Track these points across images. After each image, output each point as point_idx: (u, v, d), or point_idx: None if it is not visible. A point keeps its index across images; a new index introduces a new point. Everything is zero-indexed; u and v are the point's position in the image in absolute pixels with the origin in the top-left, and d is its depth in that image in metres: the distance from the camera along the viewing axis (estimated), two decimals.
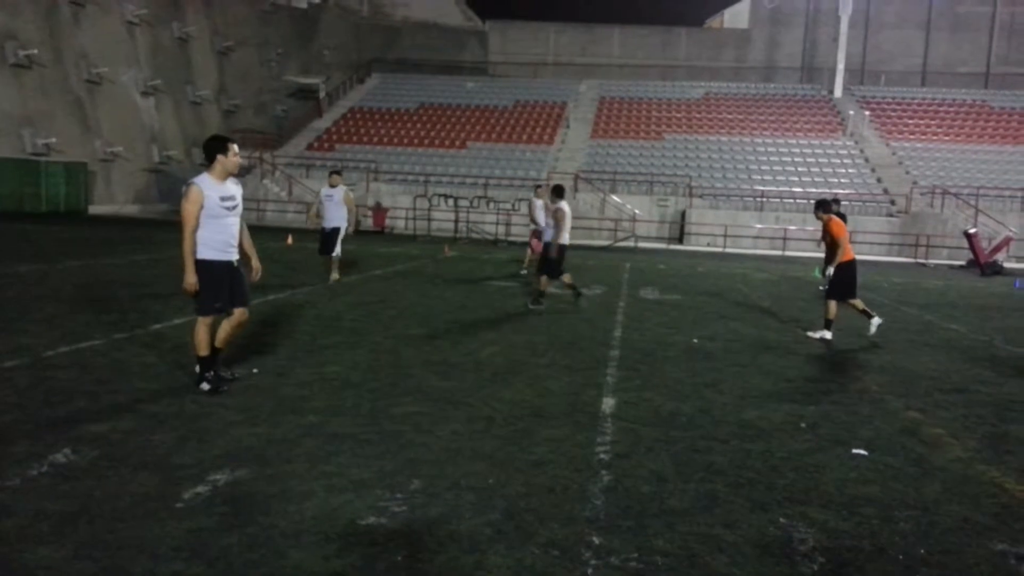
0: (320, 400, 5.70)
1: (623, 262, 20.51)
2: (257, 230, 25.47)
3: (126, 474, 4.08)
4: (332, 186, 12.84)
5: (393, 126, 37.94)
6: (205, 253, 5.63)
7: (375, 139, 36.71)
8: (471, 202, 28.30)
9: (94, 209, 32.40)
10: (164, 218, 32.35)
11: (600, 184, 31.55)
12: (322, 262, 13.29)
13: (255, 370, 6.48)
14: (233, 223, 5.78)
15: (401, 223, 30.43)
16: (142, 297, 10.21)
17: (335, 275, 12.84)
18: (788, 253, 27.59)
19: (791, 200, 30.30)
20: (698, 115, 38.77)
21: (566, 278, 11.58)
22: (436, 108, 39.73)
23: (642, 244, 27.86)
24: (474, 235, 28.27)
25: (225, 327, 5.85)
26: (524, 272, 15.74)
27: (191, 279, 5.56)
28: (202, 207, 5.53)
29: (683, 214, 30.31)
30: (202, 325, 5.75)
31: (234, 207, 5.76)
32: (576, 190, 31.16)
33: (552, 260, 11.14)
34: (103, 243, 18.42)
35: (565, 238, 11.15)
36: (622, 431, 5.30)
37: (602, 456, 4.76)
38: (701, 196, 30.95)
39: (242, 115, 42.86)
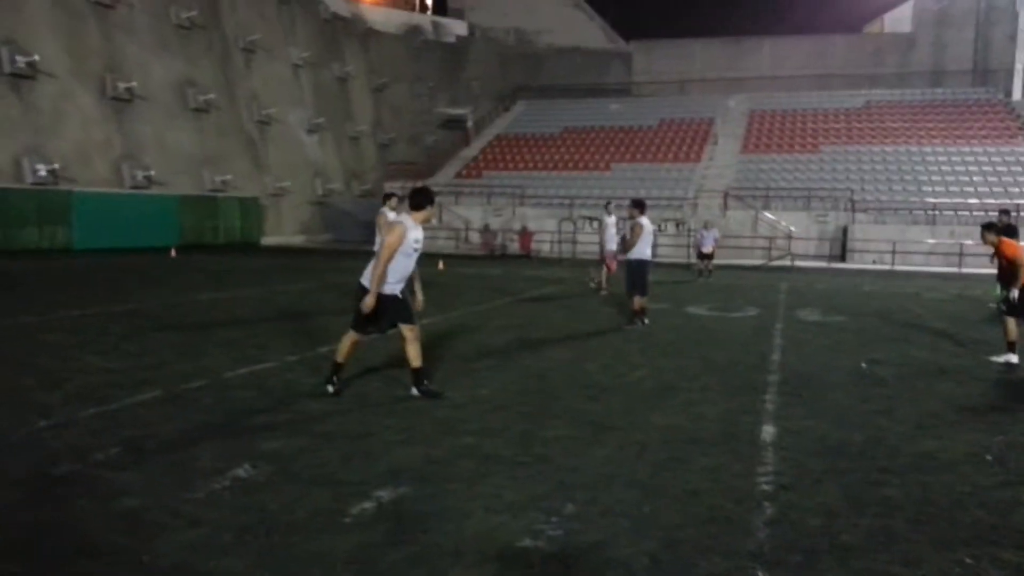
0: (473, 422, 5.82)
1: (779, 282, 19.66)
2: None
3: (299, 489, 4.33)
4: (392, 209, 12.05)
5: (538, 151, 38.52)
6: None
7: (520, 164, 37.40)
8: (619, 225, 28.14)
9: (265, 240, 34.99)
10: (327, 247, 34.43)
11: (752, 201, 30.49)
12: None
13: (414, 390, 6.67)
14: (412, 263, 6.35)
15: (546, 247, 30.72)
16: (309, 322, 10.88)
17: None
18: (965, 270, 25.45)
19: (966, 213, 27.97)
20: (858, 125, 36.74)
21: (638, 302, 11.05)
22: (580, 131, 39.98)
23: (799, 263, 26.61)
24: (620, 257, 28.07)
25: (409, 349, 6.47)
26: (604, 293, 15.67)
27: (370, 302, 6.12)
28: (402, 243, 6.14)
29: (845, 230, 28.69)
30: (349, 338, 6.44)
31: (418, 250, 6.35)
32: (726, 208, 30.30)
33: (635, 277, 10.91)
34: (274, 272, 19.83)
35: (647, 253, 10.92)
36: (785, 461, 5.04)
37: (764, 487, 4.55)
38: (865, 210, 29.19)
39: (396, 148, 45.05)
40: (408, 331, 6.40)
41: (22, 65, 24.97)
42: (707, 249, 20.47)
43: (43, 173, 25.30)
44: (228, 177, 33.17)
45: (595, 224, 28.51)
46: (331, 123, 40.36)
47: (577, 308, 13.33)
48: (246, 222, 33.65)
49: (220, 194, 32.63)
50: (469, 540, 3.71)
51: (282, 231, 36.96)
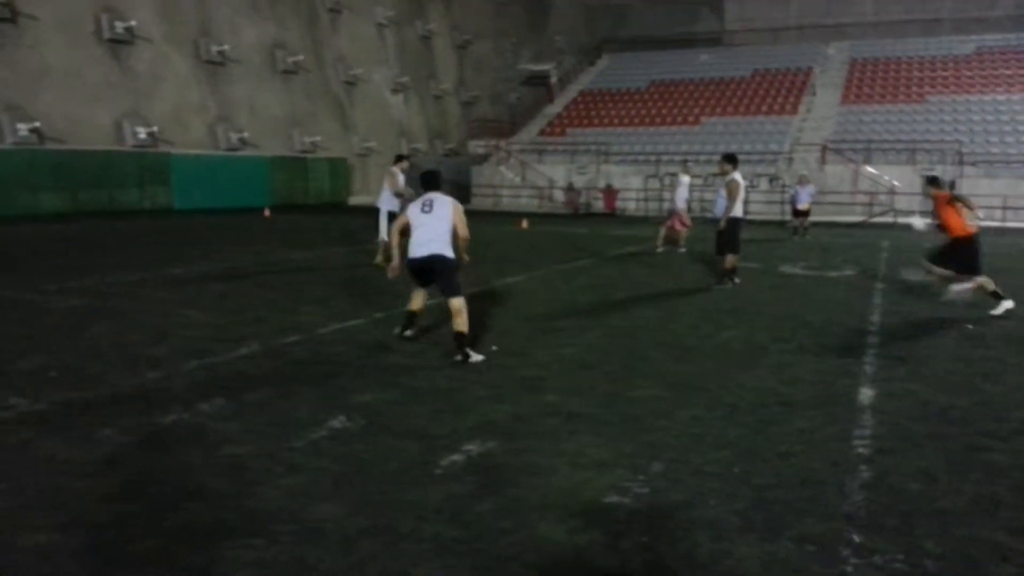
0: (558, 380, 5.83)
1: (879, 240, 18.82)
2: (492, 215, 26.66)
3: (391, 441, 4.46)
4: (404, 171, 12.50)
5: (623, 106, 37.74)
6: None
7: (605, 120, 36.77)
8: (704, 180, 27.43)
9: (353, 200, 35.69)
10: None
11: (852, 154, 29.13)
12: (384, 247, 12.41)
13: (494, 347, 6.77)
14: (428, 230, 6.71)
15: (632, 204, 30.26)
16: (395, 281, 11.07)
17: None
18: None
19: None
20: (968, 73, 34.42)
21: (730, 260, 10.72)
22: (667, 84, 38.90)
23: (902, 219, 25.34)
24: (708, 215, 27.40)
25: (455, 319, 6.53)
26: (661, 250, 15.40)
27: (466, 259, 6.96)
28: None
29: (952, 184, 27.07)
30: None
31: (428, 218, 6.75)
32: (824, 162, 29.06)
33: (727, 235, 10.54)
34: (361, 231, 20.24)
35: (739, 211, 10.56)
36: (884, 425, 4.86)
37: (861, 450, 4.41)
38: (974, 164, 27.48)
39: (479, 105, 44.93)
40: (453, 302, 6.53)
41: (120, 31, 25.89)
42: (803, 206, 19.68)
43: (143, 136, 26.39)
44: (317, 138, 33.86)
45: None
46: (415, 82, 40.55)
47: (663, 267, 13.12)
48: (334, 182, 34.37)
49: (309, 155, 33.38)
50: (555, 495, 3.74)
51: (369, 191, 37.55)
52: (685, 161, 15.35)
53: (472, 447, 4.37)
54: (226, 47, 29.90)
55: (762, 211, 27.14)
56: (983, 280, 8.66)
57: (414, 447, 4.36)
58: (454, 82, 43.75)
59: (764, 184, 27.99)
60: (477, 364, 6.24)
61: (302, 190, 32.57)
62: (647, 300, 9.61)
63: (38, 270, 11.44)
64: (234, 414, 4.90)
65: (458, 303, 6.45)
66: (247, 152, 30.40)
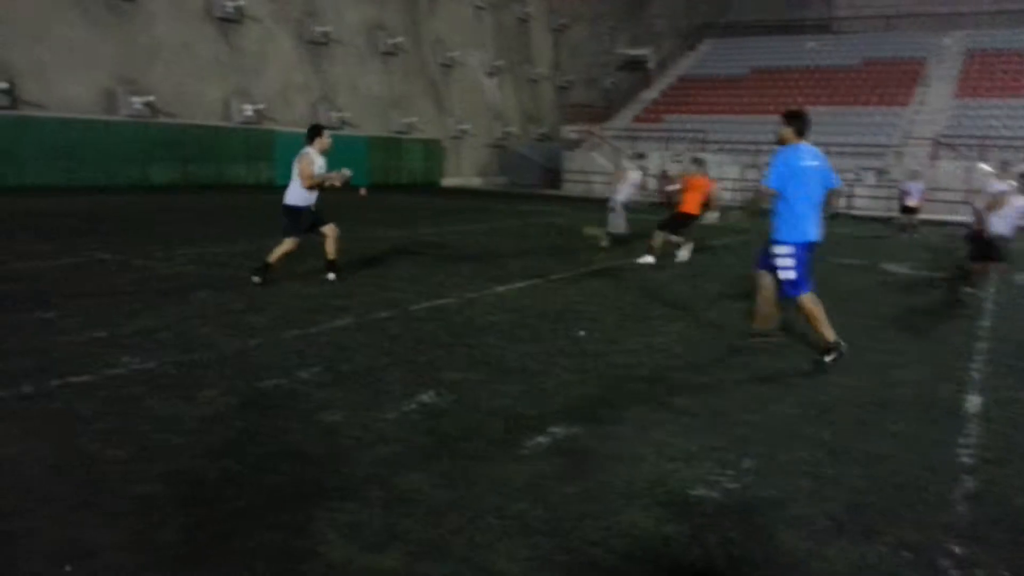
0: (646, 369, 5.78)
1: None
2: (583, 201, 26.49)
3: (478, 418, 4.53)
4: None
5: (723, 93, 36.79)
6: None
7: (703, 107, 35.94)
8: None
9: (445, 181, 36.16)
10: (503, 189, 35.08)
11: (967, 151, 27.56)
12: None
13: (582, 332, 6.76)
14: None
15: (727, 195, 29.50)
16: (486, 262, 11.20)
17: None
18: None
19: None
20: None
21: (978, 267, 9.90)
22: (770, 72, 37.67)
23: (1020, 221, 23.84)
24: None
25: (328, 244, 8.88)
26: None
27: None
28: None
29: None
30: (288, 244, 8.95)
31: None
32: (935, 157, 27.62)
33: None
34: (453, 212, 20.52)
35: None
36: (991, 434, 4.62)
37: (964, 459, 4.21)
38: None
39: (574, 90, 44.69)
40: (329, 229, 8.81)
41: (230, 10, 26.90)
42: (913, 202, 18.73)
43: (249, 113, 27.42)
44: (413, 119, 34.42)
45: None
46: (510, 65, 40.64)
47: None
48: (428, 163, 34.90)
49: (405, 136, 33.97)
50: (641, 483, 3.72)
51: (461, 173, 38.02)
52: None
53: (558, 430, 4.39)
54: (329, 28, 30.67)
55: (869, 207, 26.05)
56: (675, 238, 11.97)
57: (500, 426, 4.41)
58: (549, 66, 43.64)
59: (871, 178, 26.82)
60: (334, 280, 8.70)
61: (396, 170, 33.20)
62: (739, 292, 9.37)
63: (148, 238, 12.09)
64: (330, 382, 5.07)
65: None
66: (346, 132, 31.20)
